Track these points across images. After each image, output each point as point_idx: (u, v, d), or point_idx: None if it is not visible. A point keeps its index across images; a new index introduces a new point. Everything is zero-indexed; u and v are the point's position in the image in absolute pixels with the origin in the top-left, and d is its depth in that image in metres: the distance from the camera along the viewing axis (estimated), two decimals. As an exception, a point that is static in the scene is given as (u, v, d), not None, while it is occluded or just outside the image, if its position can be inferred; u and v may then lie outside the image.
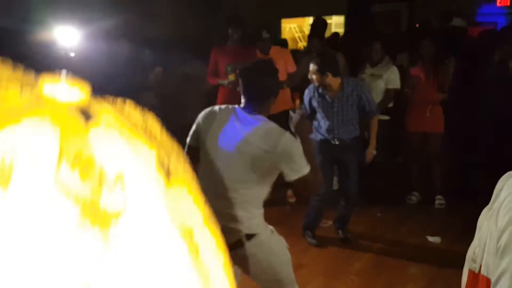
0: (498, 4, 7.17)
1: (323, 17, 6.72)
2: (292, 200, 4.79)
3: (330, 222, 4.09)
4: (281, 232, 3.93)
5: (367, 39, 5.12)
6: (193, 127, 2.22)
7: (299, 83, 4.96)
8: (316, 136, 3.67)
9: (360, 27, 6.18)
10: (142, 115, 0.47)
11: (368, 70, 4.53)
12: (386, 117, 4.54)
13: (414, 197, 4.73)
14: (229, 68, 4.44)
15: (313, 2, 8.01)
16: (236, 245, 2.03)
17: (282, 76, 4.69)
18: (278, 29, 9.06)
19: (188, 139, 2.21)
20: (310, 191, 2.41)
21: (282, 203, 4.75)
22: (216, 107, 2.22)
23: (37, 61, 4.51)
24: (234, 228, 2.02)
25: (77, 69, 4.64)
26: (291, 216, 4.33)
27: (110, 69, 4.66)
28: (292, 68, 4.78)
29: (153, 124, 0.47)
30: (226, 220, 1.98)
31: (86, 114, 0.41)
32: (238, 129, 2.07)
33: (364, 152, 3.82)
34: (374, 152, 3.66)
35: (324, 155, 3.61)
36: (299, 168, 2.01)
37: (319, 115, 3.67)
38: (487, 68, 4.56)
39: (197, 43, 5.75)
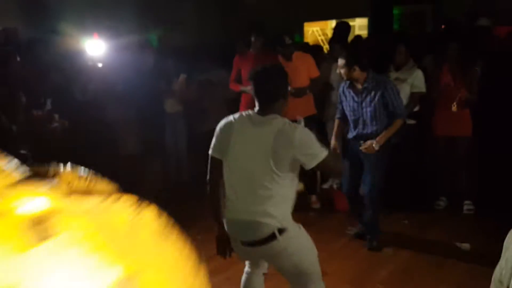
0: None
1: (346, 19, 6.65)
2: (317, 206, 4.77)
3: (355, 229, 4.06)
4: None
5: (391, 41, 5.05)
6: (214, 139, 2.34)
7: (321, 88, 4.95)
8: (349, 135, 3.80)
9: (383, 29, 6.09)
10: (137, 212, 0.43)
11: (393, 74, 4.45)
12: (412, 121, 4.46)
13: (442, 202, 4.63)
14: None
15: (336, 5, 7.96)
16: (269, 239, 2.15)
17: (305, 82, 4.70)
18: (301, 32, 9.04)
19: (210, 151, 2.35)
20: (333, 172, 2.63)
21: (306, 210, 4.73)
22: (231, 117, 2.33)
23: (66, 71, 4.64)
24: (268, 223, 2.15)
25: (105, 78, 4.75)
26: (315, 223, 4.30)
27: (135, 78, 4.74)
28: (315, 73, 4.74)
29: (150, 221, 0.43)
30: (259, 216, 2.15)
31: (45, 230, 0.38)
32: (255, 133, 2.21)
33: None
34: (376, 147, 3.54)
35: (350, 153, 3.74)
36: (316, 153, 2.16)
37: (347, 112, 3.74)
38: None
39: (221, 50, 5.78)
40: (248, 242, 2.22)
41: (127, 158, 5.46)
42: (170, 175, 5.62)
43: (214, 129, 5.40)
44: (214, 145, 2.32)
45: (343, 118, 3.84)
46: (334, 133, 3.94)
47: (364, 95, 3.59)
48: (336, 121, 3.93)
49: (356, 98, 3.63)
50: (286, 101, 2.32)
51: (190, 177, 5.68)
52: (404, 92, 4.38)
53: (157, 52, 5.91)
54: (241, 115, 2.30)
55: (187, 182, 5.63)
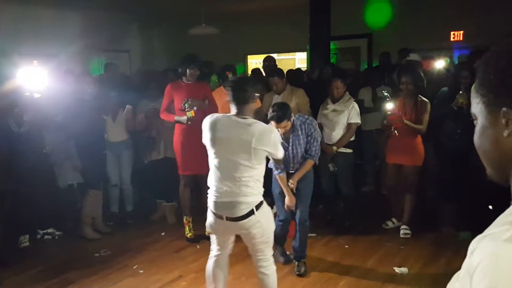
0: (452, 39, 7.59)
1: (287, 53, 6.93)
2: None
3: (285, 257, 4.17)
4: (249, 268, 3.93)
5: (329, 75, 5.31)
6: (203, 132, 2.86)
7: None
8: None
9: (322, 63, 6.40)
10: None
11: (330, 106, 4.67)
12: (349, 150, 4.68)
13: (390, 223, 4.90)
14: (187, 105, 4.48)
15: (277, 39, 8.28)
16: (249, 214, 2.71)
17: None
18: (244, 64, 9.28)
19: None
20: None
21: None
22: (215, 116, 2.84)
23: (2, 106, 4.46)
24: (248, 201, 2.71)
25: (42, 109, 4.62)
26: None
27: (75, 108, 4.64)
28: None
29: None
30: (241, 196, 2.71)
31: None
32: (237, 131, 2.70)
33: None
34: (291, 203, 3.79)
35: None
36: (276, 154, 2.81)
37: None
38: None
39: (167, 79, 5.78)
40: (232, 218, 2.74)
41: (66, 189, 5.29)
42: (112, 205, 5.48)
43: (162, 158, 5.39)
44: (204, 136, 2.85)
45: None
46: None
47: (294, 139, 3.77)
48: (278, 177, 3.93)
49: (288, 142, 3.77)
50: (255, 103, 2.85)
51: (133, 207, 5.57)
52: (341, 123, 4.62)
53: (100, 80, 5.83)
54: (224, 116, 2.80)
55: (131, 213, 5.51)
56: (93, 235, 4.87)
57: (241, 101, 2.74)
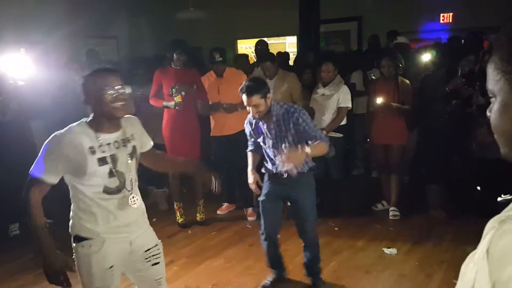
0: (441, 21, 7.57)
1: (277, 37, 6.86)
2: (253, 218, 4.84)
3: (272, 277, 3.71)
4: (240, 252, 3.96)
5: (319, 59, 5.28)
6: None
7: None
8: (266, 169, 3.26)
9: (312, 47, 6.37)
10: None
11: (320, 90, 4.66)
12: (339, 135, 4.68)
13: (380, 205, 4.97)
14: (174, 90, 4.47)
15: (267, 24, 8.21)
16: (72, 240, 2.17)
17: (237, 98, 4.82)
18: (234, 49, 9.21)
19: None
20: None
21: (243, 222, 4.81)
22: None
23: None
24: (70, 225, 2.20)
25: (27, 97, 4.56)
26: (250, 235, 4.38)
27: (61, 95, 4.59)
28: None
29: None
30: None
31: None
32: None
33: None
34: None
35: (269, 190, 3.22)
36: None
37: (262, 145, 3.22)
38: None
39: (155, 64, 5.72)
40: None
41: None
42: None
43: (155, 144, 5.03)
44: None
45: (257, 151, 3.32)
46: (251, 165, 3.31)
47: (276, 128, 3.05)
48: (250, 153, 3.36)
49: (270, 131, 3.08)
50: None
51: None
52: (331, 107, 4.61)
53: (87, 67, 5.75)
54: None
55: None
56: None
57: None
